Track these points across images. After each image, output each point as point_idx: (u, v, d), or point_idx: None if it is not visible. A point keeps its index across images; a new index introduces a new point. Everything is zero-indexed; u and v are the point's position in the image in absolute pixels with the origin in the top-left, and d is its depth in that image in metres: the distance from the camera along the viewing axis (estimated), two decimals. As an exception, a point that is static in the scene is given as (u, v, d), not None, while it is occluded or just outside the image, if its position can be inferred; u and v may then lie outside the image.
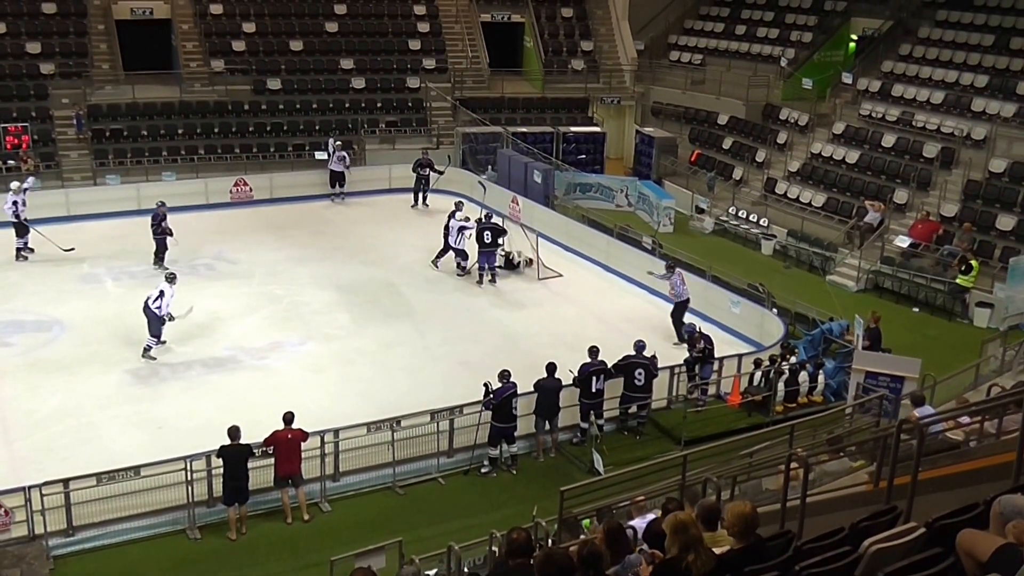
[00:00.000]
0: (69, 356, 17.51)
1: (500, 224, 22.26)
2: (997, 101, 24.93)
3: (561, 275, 22.46)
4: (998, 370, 15.65)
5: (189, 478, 12.99)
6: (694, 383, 16.81)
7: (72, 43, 29.07)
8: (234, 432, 13.03)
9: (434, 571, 10.85)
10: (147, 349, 17.40)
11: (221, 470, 13.10)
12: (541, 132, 30.13)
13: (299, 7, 31.90)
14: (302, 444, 13.45)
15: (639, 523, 8.90)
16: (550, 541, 10.14)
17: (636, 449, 15.42)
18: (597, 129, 31.08)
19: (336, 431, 14.18)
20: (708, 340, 17.29)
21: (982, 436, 10.16)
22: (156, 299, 17.28)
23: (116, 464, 13.10)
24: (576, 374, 15.46)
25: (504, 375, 14.67)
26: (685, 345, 17.81)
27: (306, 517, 13.51)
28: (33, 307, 19.62)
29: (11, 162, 26.07)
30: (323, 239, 24.44)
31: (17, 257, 22.03)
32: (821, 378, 16.90)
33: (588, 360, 15.56)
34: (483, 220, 22.08)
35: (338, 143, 27.48)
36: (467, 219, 22.18)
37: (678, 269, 19.58)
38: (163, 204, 21.92)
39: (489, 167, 28.71)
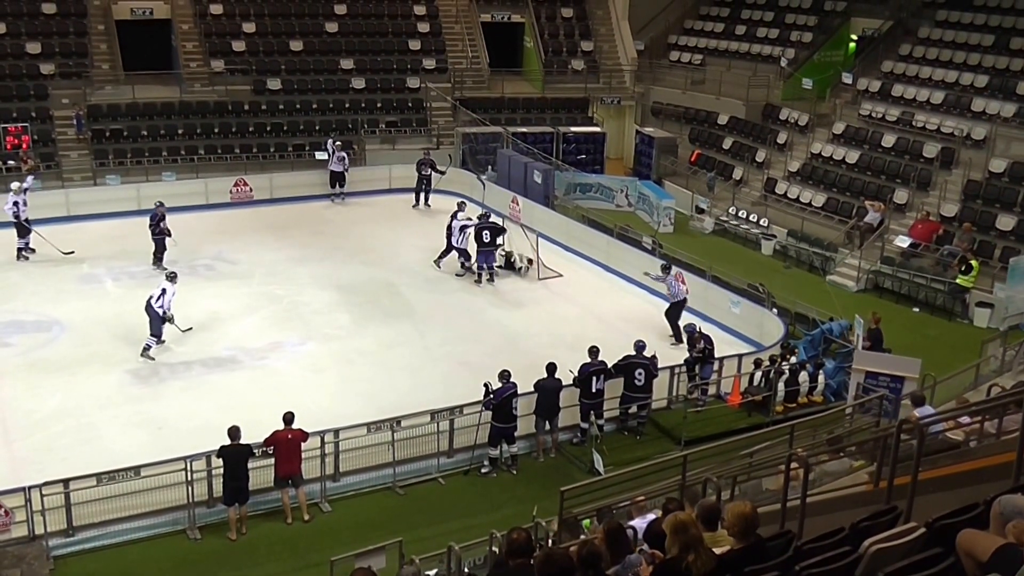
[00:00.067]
0: (69, 356, 17.50)
1: (499, 223, 22.29)
2: (997, 101, 24.93)
3: (561, 275, 22.46)
4: (998, 370, 15.66)
5: (189, 478, 12.99)
6: (694, 383, 16.81)
7: (72, 43, 29.07)
8: (234, 432, 13.03)
9: (434, 571, 10.85)
10: (146, 348, 17.41)
11: (221, 470, 13.10)
12: (541, 132, 30.13)
13: (299, 7, 31.89)
14: (302, 444, 13.45)
15: (639, 523, 8.90)
16: (550, 541, 10.13)
17: (636, 449, 15.42)
18: (597, 129, 31.08)
19: (336, 431, 14.18)
20: (708, 340, 17.28)
21: (982, 436, 10.16)
22: (158, 298, 17.36)
23: (116, 464, 13.09)
24: (576, 374, 15.46)
25: (504, 375, 14.68)
26: (683, 344, 17.82)
27: (306, 517, 13.51)
28: (33, 307, 19.62)
29: (11, 162, 26.07)
30: (323, 239, 24.44)
31: (18, 257, 22.03)
32: (821, 378, 16.90)
33: (588, 360, 15.56)
34: (482, 219, 22.12)
35: (337, 143, 27.47)
36: (469, 219, 22.22)
37: (675, 268, 19.58)
38: (161, 204, 21.92)
39: (489, 167, 28.71)
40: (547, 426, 15.40)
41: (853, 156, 26.28)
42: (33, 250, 22.11)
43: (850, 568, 5.11)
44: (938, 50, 27.53)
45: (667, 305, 19.32)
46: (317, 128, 29.47)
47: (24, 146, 26.54)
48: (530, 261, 22.53)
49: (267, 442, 13.33)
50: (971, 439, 10.21)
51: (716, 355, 17.22)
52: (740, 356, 17.62)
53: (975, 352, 16.31)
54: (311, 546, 12.88)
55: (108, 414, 15.63)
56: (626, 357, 15.94)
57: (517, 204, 25.86)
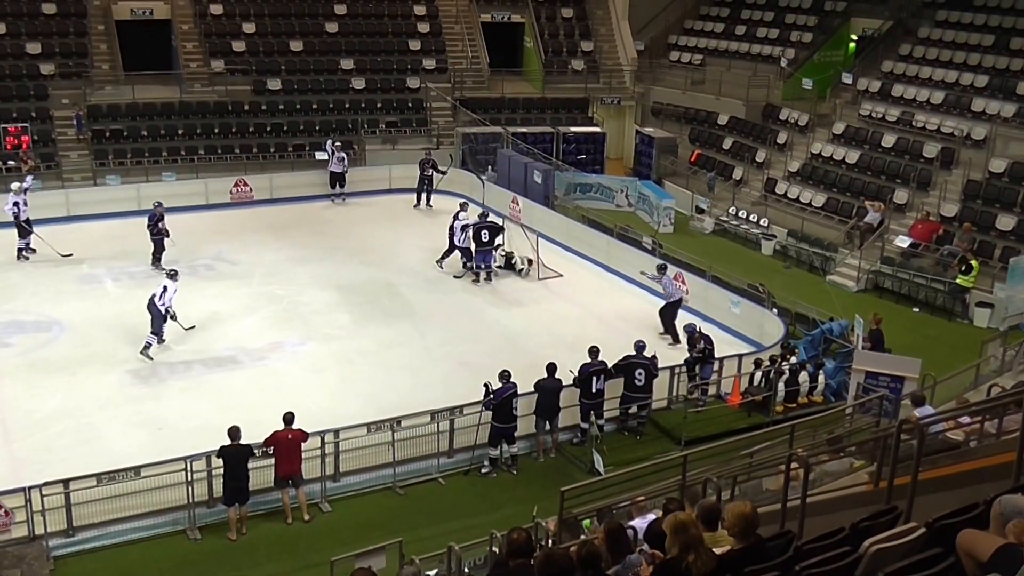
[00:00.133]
0: (69, 356, 17.51)
1: (498, 223, 22.29)
2: (997, 101, 24.92)
3: (561, 275, 22.46)
4: (998, 370, 15.67)
5: (189, 478, 12.99)
6: (694, 383, 16.81)
7: (72, 43, 29.08)
8: (234, 432, 13.03)
9: (434, 571, 10.85)
10: (146, 347, 17.41)
11: (221, 470, 13.09)
12: (541, 132, 30.13)
13: (299, 7, 31.90)
14: (302, 444, 13.45)
15: (639, 523, 8.90)
16: (550, 541, 10.13)
17: (636, 449, 15.42)
18: (597, 129, 31.08)
19: (336, 431, 14.18)
20: (708, 340, 17.28)
21: (982, 436, 10.16)
22: (160, 296, 17.43)
23: (116, 464, 13.09)
24: (576, 374, 15.46)
25: (504, 375, 14.67)
26: (681, 345, 17.82)
27: (306, 517, 13.51)
28: (33, 307, 19.62)
29: (11, 162, 26.07)
30: (323, 239, 24.44)
31: (18, 257, 22.03)
32: (821, 378, 16.89)
33: (588, 360, 15.56)
34: (480, 219, 22.12)
35: (337, 144, 27.47)
36: (471, 219, 22.23)
37: (674, 269, 19.57)
38: (160, 204, 21.90)
39: (489, 167, 28.71)
40: (547, 426, 15.40)
41: (853, 156, 26.28)
42: (34, 250, 22.11)
43: (850, 568, 5.11)
44: (938, 50, 27.53)
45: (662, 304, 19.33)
46: (317, 128, 29.47)
47: (24, 146, 26.54)
48: (530, 261, 22.53)
49: (267, 442, 13.33)
50: (971, 439, 10.22)
51: (716, 355, 17.21)
52: (740, 356, 17.62)
53: (975, 352, 16.32)
54: (311, 546, 12.88)
55: (108, 414, 15.63)
56: (626, 357, 15.94)
57: (517, 204, 25.86)
